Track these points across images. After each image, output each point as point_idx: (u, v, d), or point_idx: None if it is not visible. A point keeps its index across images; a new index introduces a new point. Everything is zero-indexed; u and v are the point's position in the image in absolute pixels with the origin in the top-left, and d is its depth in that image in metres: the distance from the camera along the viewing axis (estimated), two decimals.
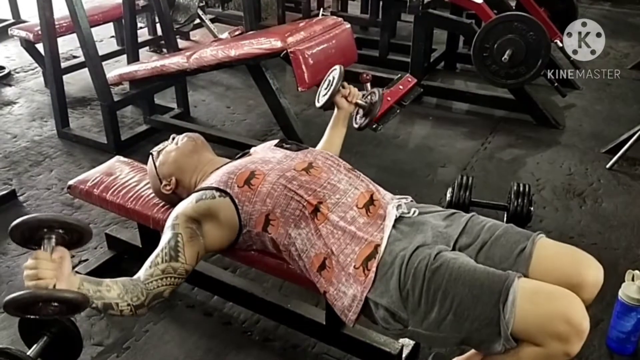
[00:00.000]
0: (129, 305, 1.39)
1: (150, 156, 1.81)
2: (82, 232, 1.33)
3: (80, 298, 1.28)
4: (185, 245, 1.49)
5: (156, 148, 1.83)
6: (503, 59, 3.10)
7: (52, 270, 1.25)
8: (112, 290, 1.38)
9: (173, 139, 1.83)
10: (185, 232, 1.50)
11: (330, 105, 1.92)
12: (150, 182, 1.85)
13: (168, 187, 1.75)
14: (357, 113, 1.99)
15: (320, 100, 1.93)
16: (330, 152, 1.71)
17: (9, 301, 1.24)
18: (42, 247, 1.27)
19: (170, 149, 1.78)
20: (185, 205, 1.56)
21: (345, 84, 1.91)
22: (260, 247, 1.60)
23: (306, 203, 1.47)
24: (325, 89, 1.92)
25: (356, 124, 1.99)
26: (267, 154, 1.66)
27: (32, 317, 1.30)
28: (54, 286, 1.24)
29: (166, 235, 1.52)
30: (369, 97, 1.95)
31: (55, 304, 1.24)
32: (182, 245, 1.48)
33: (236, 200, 1.52)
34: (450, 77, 4.21)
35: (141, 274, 1.46)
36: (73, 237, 1.32)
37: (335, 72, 1.90)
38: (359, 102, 1.93)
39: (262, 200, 1.50)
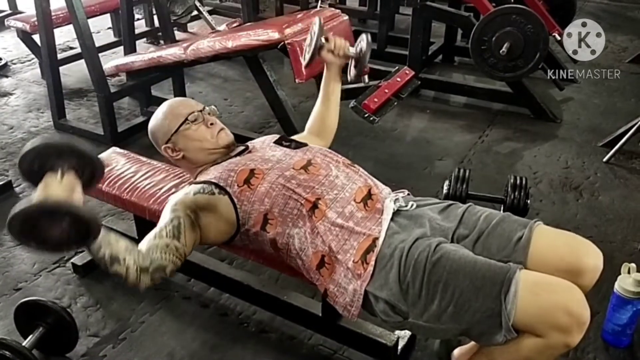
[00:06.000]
0: (135, 263, 1.32)
1: (186, 120, 1.64)
2: (94, 164, 1.28)
3: (94, 218, 1.16)
4: (186, 230, 1.46)
5: (193, 116, 1.65)
6: (501, 52, 3.09)
7: (63, 191, 1.18)
8: (121, 242, 1.33)
9: (211, 124, 1.67)
10: (185, 219, 1.48)
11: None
12: (154, 130, 1.70)
13: (170, 154, 1.66)
14: (349, 65, 1.84)
15: (306, 58, 1.80)
16: (328, 149, 1.67)
17: (15, 214, 1.13)
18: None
19: (205, 134, 1.65)
20: (184, 195, 1.54)
21: (330, 36, 1.80)
22: (257, 247, 1.59)
23: (304, 201, 1.46)
24: (308, 45, 1.80)
25: (349, 77, 1.86)
26: (266, 152, 1.62)
27: (35, 241, 1.15)
28: None
29: (167, 216, 1.48)
30: (357, 46, 1.81)
31: (66, 220, 1.13)
32: (183, 228, 1.45)
33: (235, 200, 1.50)
34: (448, 70, 4.20)
35: (144, 244, 1.41)
36: (85, 171, 1.26)
37: (315, 25, 1.76)
38: (348, 53, 1.80)
39: (260, 200, 1.49)
